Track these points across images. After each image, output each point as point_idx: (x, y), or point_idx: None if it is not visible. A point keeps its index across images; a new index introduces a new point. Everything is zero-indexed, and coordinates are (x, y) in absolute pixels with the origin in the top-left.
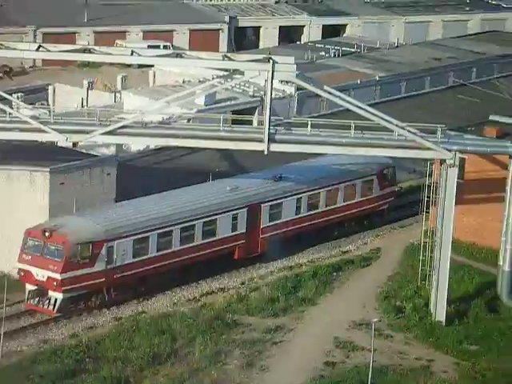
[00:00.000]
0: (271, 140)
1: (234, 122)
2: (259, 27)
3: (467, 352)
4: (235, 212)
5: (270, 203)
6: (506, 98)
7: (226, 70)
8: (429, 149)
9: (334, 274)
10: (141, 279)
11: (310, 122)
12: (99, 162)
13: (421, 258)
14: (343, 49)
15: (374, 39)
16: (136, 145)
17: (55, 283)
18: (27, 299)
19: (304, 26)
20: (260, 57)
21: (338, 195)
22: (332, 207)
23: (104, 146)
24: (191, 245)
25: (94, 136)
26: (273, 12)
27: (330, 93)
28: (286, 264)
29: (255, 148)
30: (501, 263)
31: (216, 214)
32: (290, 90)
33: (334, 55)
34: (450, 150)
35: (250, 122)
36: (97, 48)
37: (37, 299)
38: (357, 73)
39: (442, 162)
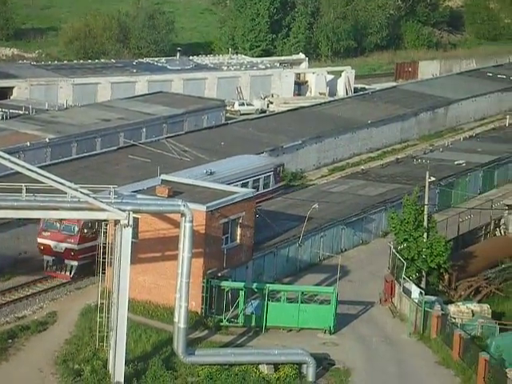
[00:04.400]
0: None
1: None
2: None
3: None
4: None
5: None
6: (175, 157)
7: None
8: (103, 210)
9: (10, 340)
10: None
11: None
12: None
13: (98, 319)
14: (11, 111)
15: (42, 101)
16: None
17: (72, 253)
18: (46, 267)
19: None
20: None
21: None
22: None
23: None
24: None
25: None
26: None
27: None
28: None
29: None
30: (176, 320)
31: None
32: None
33: (2, 118)
34: (123, 211)
35: None
36: None
37: (54, 267)
38: (26, 135)
39: (117, 222)
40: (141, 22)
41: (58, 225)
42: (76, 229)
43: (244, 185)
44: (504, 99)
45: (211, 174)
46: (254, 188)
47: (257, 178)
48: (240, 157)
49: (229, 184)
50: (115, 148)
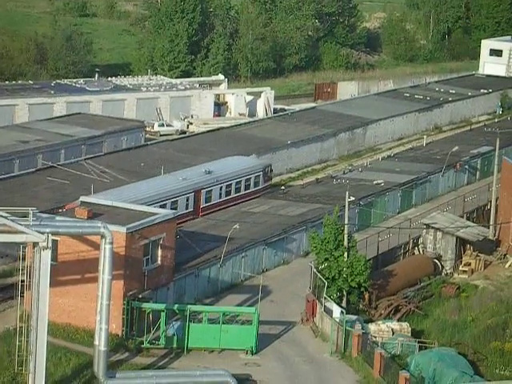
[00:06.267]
0: None
1: None
2: None
3: None
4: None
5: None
6: (94, 178)
7: None
8: (21, 232)
9: None
10: None
11: None
12: None
13: (17, 343)
14: None
15: None
16: None
17: None
18: None
19: None
20: None
21: None
22: None
23: None
24: None
25: None
26: None
27: None
28: None
29: None
30: (97, 343)
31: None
32: None
33: None
34: (42, 233)
35: None
36: None
37: None
38: None
39: (35, 244)
40: (58, 43)
41: None
42: None
43: (238, 183)
44: (421, 119)
45: (209, 173)
46: (245, 186)
47: (248, 177)
48: (232, 158)
49: (225, 182)
50: (33, 170)
